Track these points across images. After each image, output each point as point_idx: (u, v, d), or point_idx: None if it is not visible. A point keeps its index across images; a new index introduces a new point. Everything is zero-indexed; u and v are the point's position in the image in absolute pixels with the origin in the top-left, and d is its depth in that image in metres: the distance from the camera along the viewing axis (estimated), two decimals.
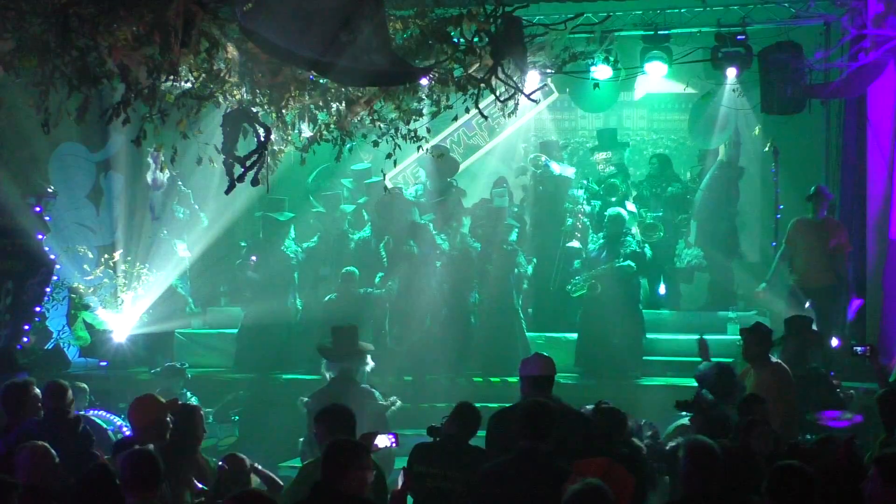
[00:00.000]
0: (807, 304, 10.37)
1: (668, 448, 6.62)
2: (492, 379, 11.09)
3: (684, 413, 7.24)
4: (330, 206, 12.44)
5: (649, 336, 11.30)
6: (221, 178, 7.52)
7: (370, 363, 8.84)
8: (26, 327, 10.49)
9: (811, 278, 10.56)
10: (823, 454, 5.70)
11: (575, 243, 11.90)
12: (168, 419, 5.94)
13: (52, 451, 5.44)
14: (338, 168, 11.89)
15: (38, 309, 10.69)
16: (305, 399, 8.57)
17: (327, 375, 8.72)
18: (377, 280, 11.46)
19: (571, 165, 13.07)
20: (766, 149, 11.90)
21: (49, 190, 11.30)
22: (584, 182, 12.60)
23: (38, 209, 10.67)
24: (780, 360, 7.99)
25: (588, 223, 12.07)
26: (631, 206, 12.24)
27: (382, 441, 5.39)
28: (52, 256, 10.76)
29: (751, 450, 5.83)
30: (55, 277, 10.96)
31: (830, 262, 10.51)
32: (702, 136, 12.90)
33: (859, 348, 8.16)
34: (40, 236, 10.56)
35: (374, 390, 8.55)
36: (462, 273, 11.32)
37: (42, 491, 5.22)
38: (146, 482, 4.80)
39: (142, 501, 4.78)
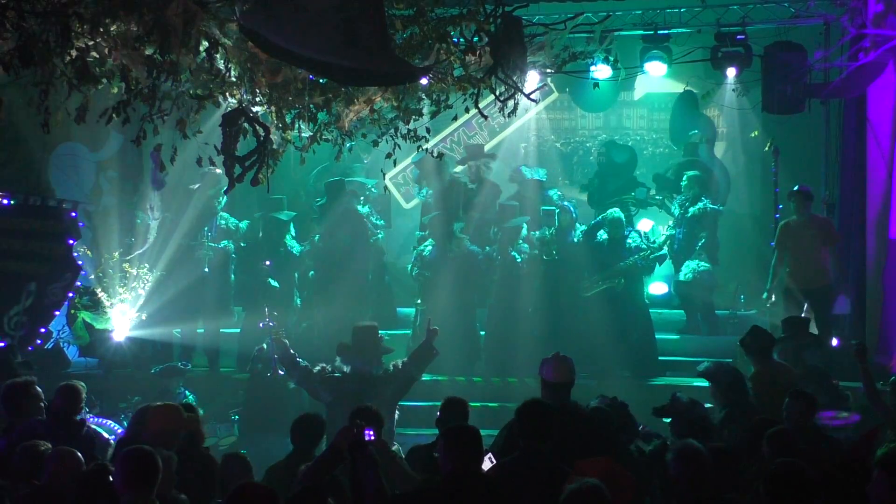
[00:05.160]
0: (805, 306, 10.37)
1: (648, 451, 6.55)
2: (492, 379, 11.09)
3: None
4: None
5: None
6: None
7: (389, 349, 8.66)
8: (42, 330, 10.50)
9: (806, 280, 10.53)
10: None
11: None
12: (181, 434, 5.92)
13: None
14: (338, 167, 11.90)
15: (56, 312, 10.69)
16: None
17: (345, 369, 8.47)
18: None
19: (539, 168, 13.02)
20: (766, 149, 11.88)
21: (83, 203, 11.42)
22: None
23: (73, 214, 10.65)
24: (781, 361, 7.99)
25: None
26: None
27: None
28: (80, 263, 10.70)
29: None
30: (78, 283, 10.94)
31: (823, 262, 10.49)
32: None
33: (853, 342, 8.13)
34: (71, 241, 10.52)
35: (386, 373, 8.18)
36: (466, 273, 11.33)
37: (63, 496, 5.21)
38: (145, 480, 4.77)
39: (139, 499, 4.76)
